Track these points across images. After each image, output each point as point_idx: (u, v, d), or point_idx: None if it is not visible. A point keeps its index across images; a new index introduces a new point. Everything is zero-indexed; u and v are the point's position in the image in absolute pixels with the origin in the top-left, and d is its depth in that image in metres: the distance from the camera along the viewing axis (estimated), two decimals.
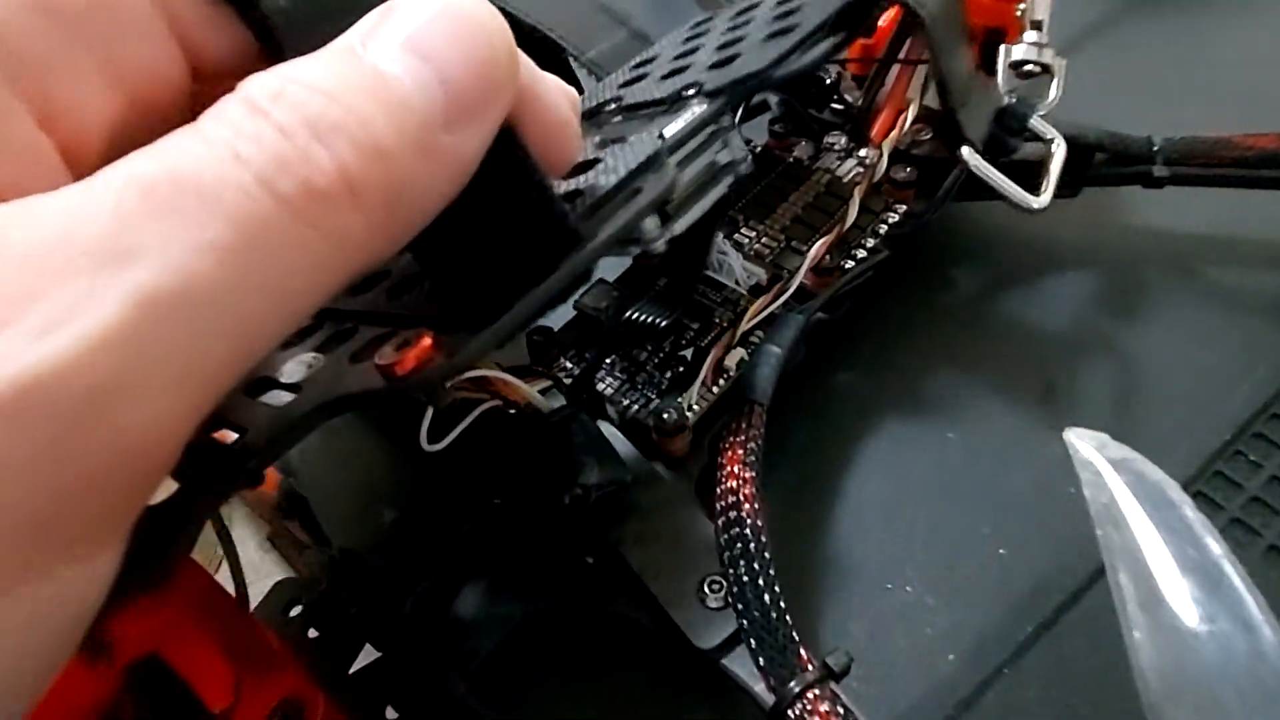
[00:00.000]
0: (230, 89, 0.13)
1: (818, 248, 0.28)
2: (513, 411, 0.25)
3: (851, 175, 0.31)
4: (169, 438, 0.12)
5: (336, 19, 0.14)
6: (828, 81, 0.32)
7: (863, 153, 0.32)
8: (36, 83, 0.14)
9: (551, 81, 0.18)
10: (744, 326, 0.27)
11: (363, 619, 0.24)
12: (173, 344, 0.11)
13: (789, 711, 0.20)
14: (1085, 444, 0.20)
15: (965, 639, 0.24)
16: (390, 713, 0.23)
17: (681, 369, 0.27)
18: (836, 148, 0.32)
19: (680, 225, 0.21)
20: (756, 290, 0.28)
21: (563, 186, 0.19)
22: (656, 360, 0.27)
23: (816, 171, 0.32)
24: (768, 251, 0.29)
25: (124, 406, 0.11)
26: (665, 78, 0.25)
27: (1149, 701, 0.18)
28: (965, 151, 0.25)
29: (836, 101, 0.33)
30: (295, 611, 0.25)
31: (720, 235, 0.29)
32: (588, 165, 0.20)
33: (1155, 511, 0.19)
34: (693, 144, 0.21)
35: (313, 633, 0.24)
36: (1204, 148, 0.30)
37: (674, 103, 0.22)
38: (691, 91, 0.22)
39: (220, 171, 0.12)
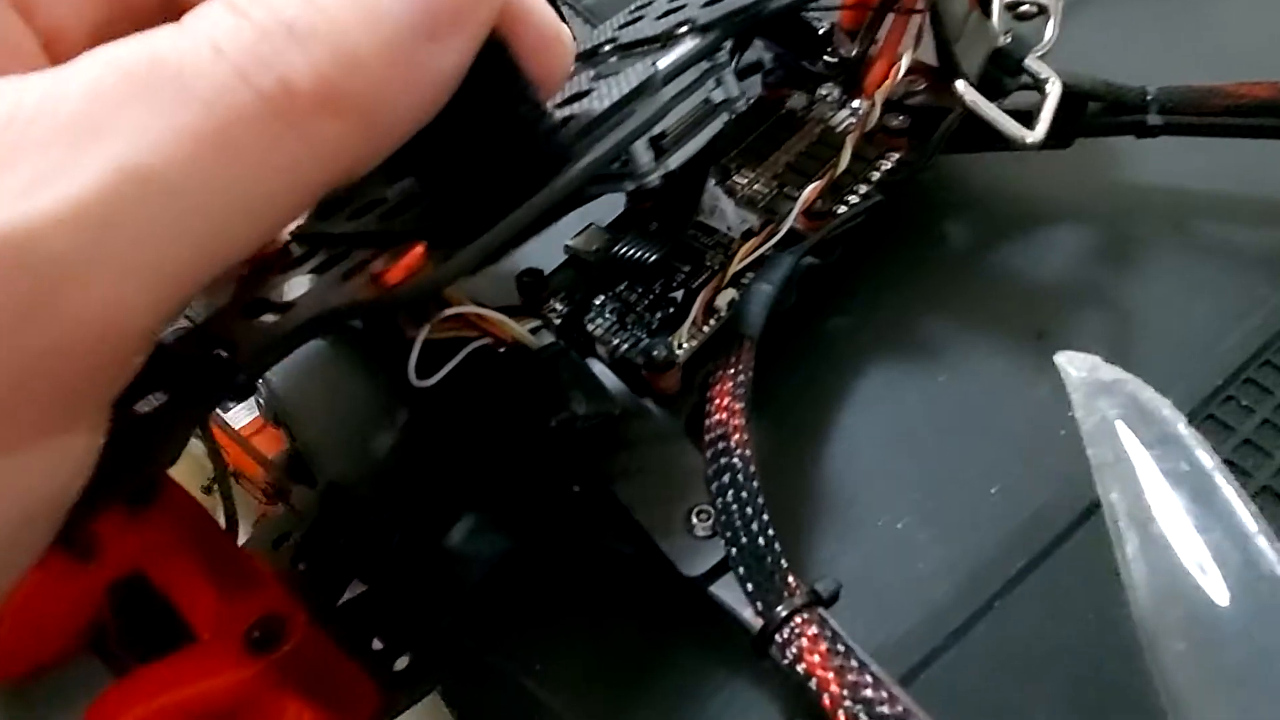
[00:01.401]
0: None
1: (810, 191, 0.28)
2: (502, 350, 0.25)
3: (845, 125, 0.31)
4: (136, 322, 0.12)
5: None
6: (820, 32, 0.32)
7: (856, 104, 0.32)
8: None
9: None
10: (735, 267, 0.26)
11: (351, 551, 0.23)
12: (145, 223, 0.12)
13: (776, 636, 0.20)
14: (1076, 366, 0.20)
15: (957, 573, 0.23)
16: (377, 644, 0.23)
17: (672, 310, 0.27)
18: (830, 99, 0.32)
19: (675, 161, 0.21)
20: (748, 235, 0.28)
21: (557, 114, 0.19)
22: (647, 302, 0.27)
23: (810, 121, 0.32)
24: (760, 197, 0.29)
25: (93, 279, 0.11)
26: (660, 17, 0.25)
27: (1141, 616, 0.17)
28: (960, 85, 0.25)
29: (830, 54, 0.32)
30: (284, 546, 0.24)
31: (713, 181, 0.29)
32: (581, 95, 0.20)
33: (1147, 429, 0.19)
34: (687, 79, 0.21)
35: (302, 566, 0.24)
36: (1197, 96, 0.29)
37: (668, 40, 0.22)
38: (684, 28, 0.22)
39: (199, 60, 0.12)
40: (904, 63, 0.31)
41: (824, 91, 0.32)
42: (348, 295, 0.17)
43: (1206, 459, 0.18)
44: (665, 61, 0.20)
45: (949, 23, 0.25)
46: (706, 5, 0.23)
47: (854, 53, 0.32)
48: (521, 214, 0.17)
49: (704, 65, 0.21)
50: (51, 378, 0.12)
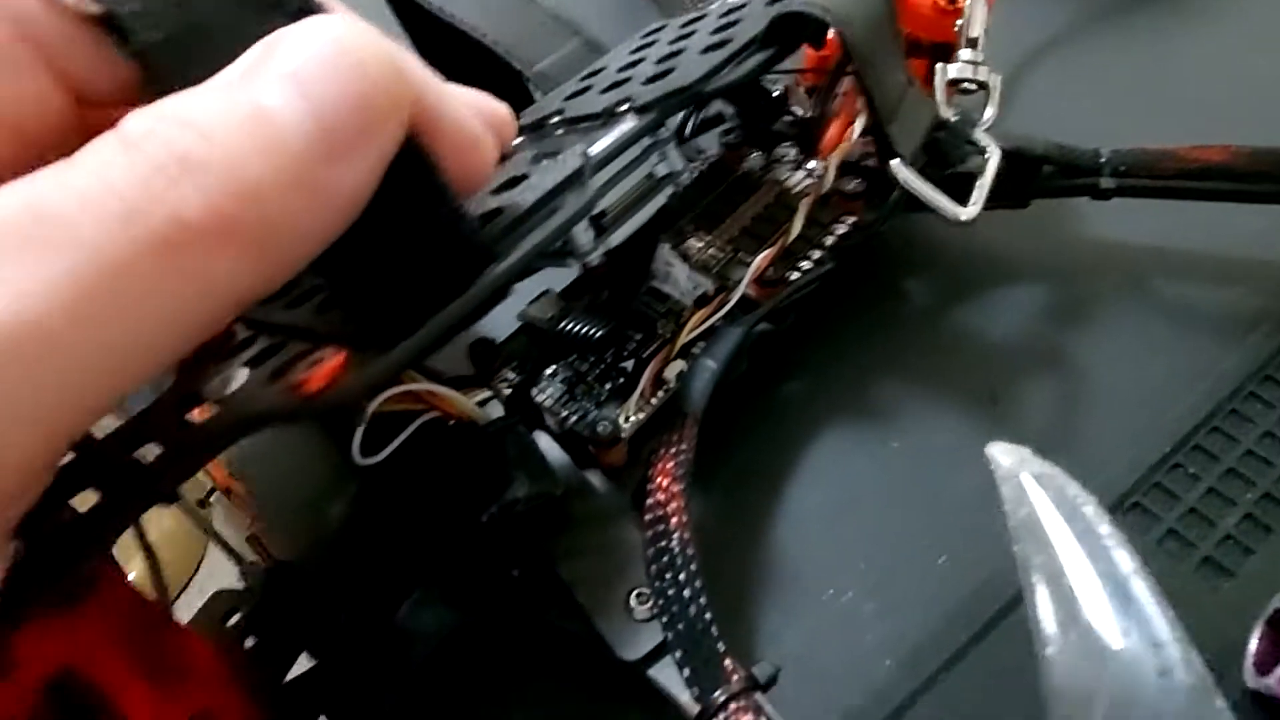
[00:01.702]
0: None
1: (761, 259, 0.28)
2: (451, 423, 0.25)
3: (801, 187, 0.31)
4: (21, 467, 0.12)
5: (219, 51, 0.14)
6: (775, 94, 0.32)
7: (812, 164, 0.32)
8: None
9: (462, 100, 0.18)
10: (684, 339, 0.27)
11: (297, 628, 0.24)
12: (25, 374, 0.11)
13: None
14: (1007, 458, 0.20)
15: (902, 647, 0.24)
16: None
17: (622, 380, 0.27)
18: (787, 160, 0.32)
19: (617, 238, 0.21)
20: (702, 301, 0.28)
21: (490, 203, 0.19)
22: (597, 372, 0.27)
23: (766, 183, 0.32)
24: (714, 262, 0.30)
25: None
26: (605, 90, 0.25)
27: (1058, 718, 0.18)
28: (894, 164, 0.25)
29: (788, 113, 0.33)
30: (234, 620, 0.25)
31: (667, 246, 0.29)
32: (515, 181, 0.20)
33: (1071, 526, 0.19)
34: (627, 157, 0.21)
35: (250, 642, 0.24)
36: (1149, 160, 0.30)
37: (608, 118, 0.22)
38: (624, 107, 0.22)
39: (82, 206, 0.12)
40: (859, 124, 0.31)
41: (781, 152, 0.32)
42: (269, 402, 0.17)
43: (1126, 561, 0.18)
44: (598, 148, 0.20)
45: (882, 101, 0.25)
46: (648, 82, 0.24)
47: (811, 114, 0.32)
48: (443, 320, 0.17)
49: (646, 141, 0.22)
50: None
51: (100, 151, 0.12)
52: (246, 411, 0.17)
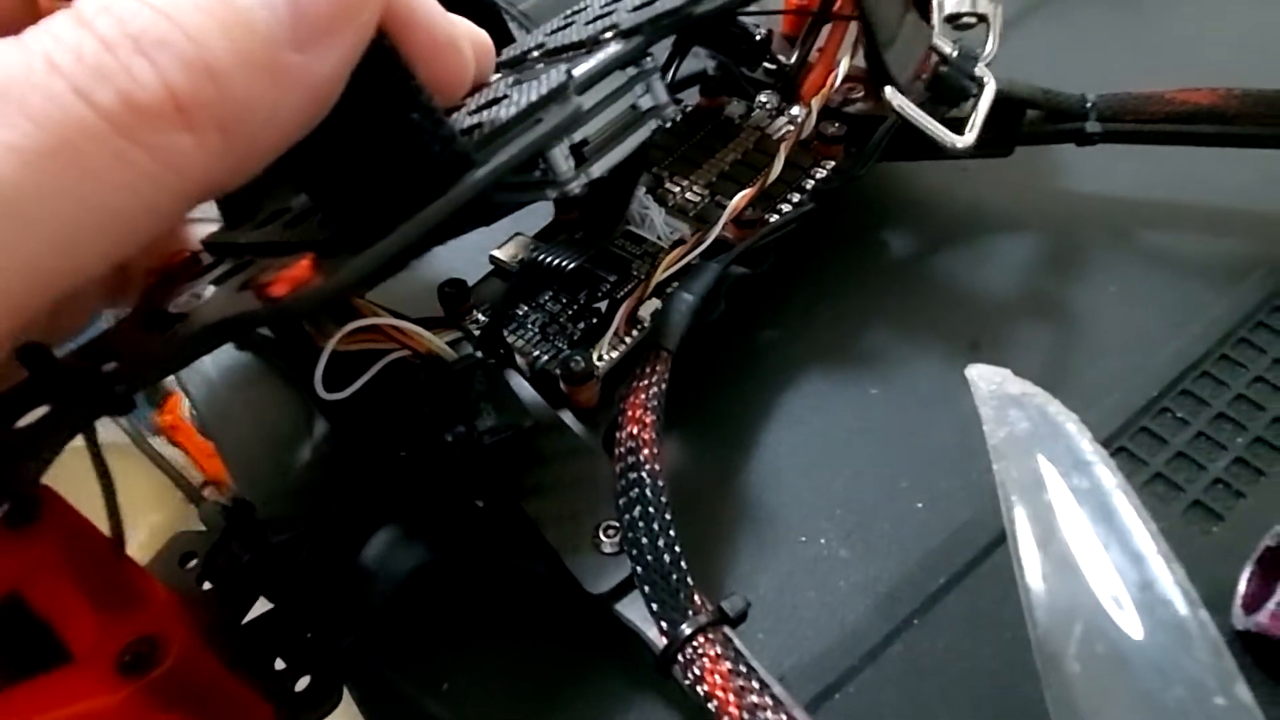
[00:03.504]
0: None
1: (739, 199, 0.27)
2: (418, 361, 0.24)
3: (781, 132, 0.31)
4: None
5: None
6: (758, 39, 0.31)
7: (793, 110, 0.31)
8: None
9: (436, 5, 0.18)
10: (659, 276, 0.26)
11: (255, 568, 0.23)
12: None
13: (679, 655, 0.19)
14: (986, 380, 0.20)
15: (877, 591, 0.23)
16: (280, 664, 0.22)
17: (595, 321, 0.26)
18: (768, 106, 0.32)
19: (598, 169, 0.21)
20: (679, 245, 0.28)
21: (466, 121, 0.19)
22: (570, 313, 0.26)
23: (746, 129, 0.31)
24: (692, 206, 0.29)
25: None
26: (590, 22, 0.25)
27: (1038, 637, 0.17)
28: (888, 91, 0.24)
29: (768, 61, 0.32)
30: (192, 564, 0.24)
31: (643, 190, 0.29)
32: (495, 102, 0.19)
33: (1053, 444, 0.18)
34: (611, 85, 0.21)
35: (207, 585, 0.23)
36: (1137, 103, 0.29)
37: (592, 45, 0.22)
38: (609, 34, 0.21)
39: (31, 76, 0.11)
40: (841, 69, 0.30)
41: (762, 98, 0.32)
42: (237, 308, 0.17)
43: (1108, 477, 0.17)
44: (581, 68, 0.20)
45: (880, 28, 0.24)
46: (634, 10, 0.23)
47: (792, 59, 0.32)
48: (416, 224, 0.16)
49: (630, 71, 0.21)
50: None
51: (52, 27, 0.12)
52: (214, 318, 0.17)
